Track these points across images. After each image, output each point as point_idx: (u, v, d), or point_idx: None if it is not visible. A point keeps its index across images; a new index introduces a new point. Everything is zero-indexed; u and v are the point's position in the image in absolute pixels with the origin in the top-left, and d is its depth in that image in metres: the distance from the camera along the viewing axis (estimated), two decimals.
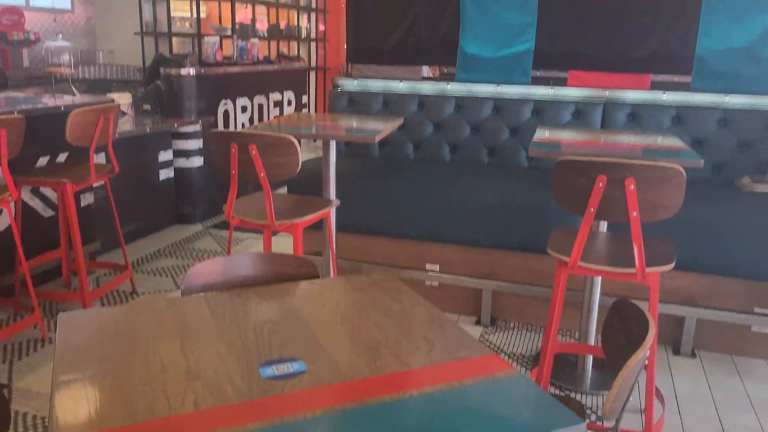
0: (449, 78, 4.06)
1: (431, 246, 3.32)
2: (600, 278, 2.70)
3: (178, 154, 4.76)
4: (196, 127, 4.80)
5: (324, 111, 8.80)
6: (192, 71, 4.84)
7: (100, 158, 3.56)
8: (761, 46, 3.37)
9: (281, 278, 1.68)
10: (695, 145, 3.37)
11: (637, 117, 3.48)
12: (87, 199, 3.82)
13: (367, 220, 3.37)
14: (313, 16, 8.84)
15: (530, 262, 3.16)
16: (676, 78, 3.83)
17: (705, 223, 2.85)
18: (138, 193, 4.40)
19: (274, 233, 2.59)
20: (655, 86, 3.69)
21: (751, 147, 3.30)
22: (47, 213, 3.53)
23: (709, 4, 3.40)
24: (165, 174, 4.68)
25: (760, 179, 3.12)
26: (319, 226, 2.96)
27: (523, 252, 3.16)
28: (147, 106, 4.79)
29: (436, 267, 3.33)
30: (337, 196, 3.02)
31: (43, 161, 3.44)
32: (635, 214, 2.06)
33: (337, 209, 3.01)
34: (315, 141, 7.30)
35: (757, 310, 2.86)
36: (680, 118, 3.43)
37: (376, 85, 3.95)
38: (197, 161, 4.84)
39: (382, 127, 2.91)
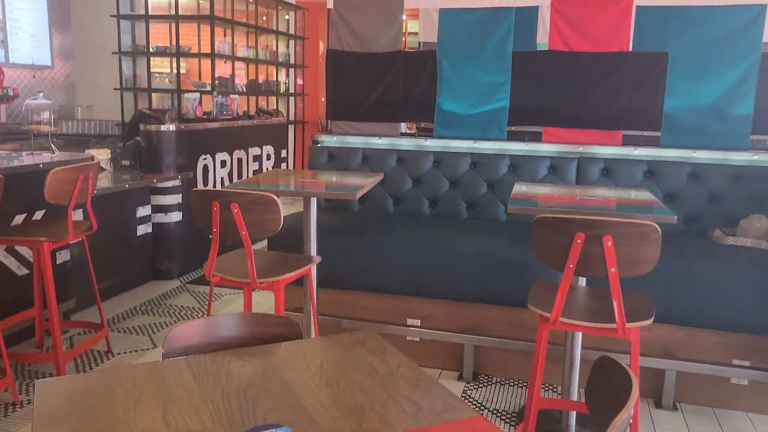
0: (426, 133, 4.15)
1: (412, 301, 3.32)
2: (581, 333, 2.72)
3: (157, 209, 4.74)
4: (176, 183, 4.80)
5: (303, 165, 8.87)
6: (171, 127, 4.87)
7: (77, 215, 3.53)
8: (725, 103, 3.51)
9: (264, 339, 1.67)
10: (667, 199, 3.46)
11: (611, 171, 3.57)
12: (63, 256, 3.76)
13: (348, 275, 3.37)
14: (291, 71, 9.01)
15: (512, 316, 3.17)
16: (646, 132, 3.96)
17: (681, 275, 2.91)
18: (115, 250, 4.36)
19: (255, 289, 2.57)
20: (628, 140, 3.80)
21: (720, 200, 3.40)
22: (21, 271, 3.47)
23: (674, 65, 3.56)
24: (143, 229, 4.64)
25: (731, 232, 3.20)
26: (299, 281, 2.95)
27: (505, 306, 3.17)
28: (126, 162, 4.79)
29: (418, 322, 3.33)
30: (318, 251, 3.02)
31: (19, 219, 3.40)
32: (613, 270, 2.09)
33: (318, 264, 3.01)
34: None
35: (735, 362, 2.90)
36: (652, 173, 3.53)
37: (355, 141, 4.01)
38: (176, 216, 4.82)
39: (362, 183, 2.94)
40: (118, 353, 3.49)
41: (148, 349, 3.57)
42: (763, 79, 3.45)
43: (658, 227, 2.07)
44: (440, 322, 3.29)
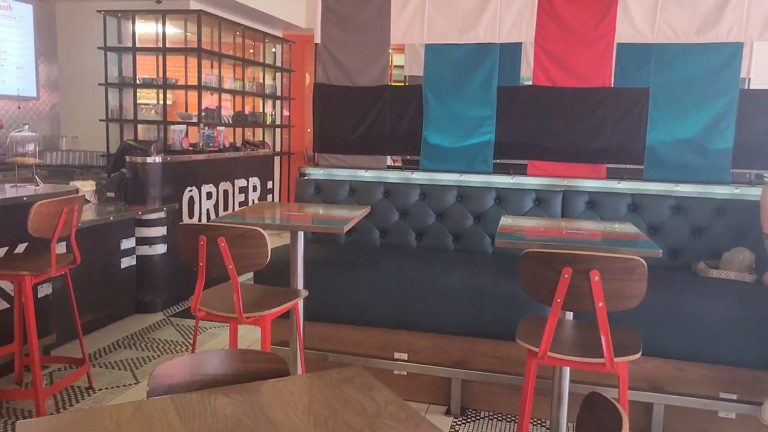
0: (412, 165, 4.18)
1: (399, 334, 3.30)
2: (569, 367, 2.71)
3: (142, 241, 4.70)
4: (161, 215, 4.77)
5: (290, 196, 8.87)
6: (157, 159, 4.86)
7: (60, 247, 3.49)
8: (706, 138, 3.58)
9: (250, 375, 1.65)
10: (651, 231, 3.50)
11: (595, 204, 3.61)
12: (45, 290, 3.71)
13: (335, 309, 3.35)
14: (278, 103, 9.07)
15: (499, 350, 3.16)
16: (630, 165, 4.01)
17: (667, 308, 2.92)
18: (98, 282, 4.30)
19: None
20: (612, 173, 3.85)
21: (703, 233, 3.44)
22: (1, 305, 3.40)
23: (655, 100, 3.63)
24: (127, 262, 4.59)
25: (715, 264, 3.23)
26: (286, 314, 2.92)
27: (493, 339, 3.16)
28: (111, 194, 4.76)
29: (405, 356, 3.30)
30: (305, 284, 3.00)
31: (0, 252, 3.35)
32: (601, 304, 2.10)
33: (305, 298, 2.99)
34: None
35: (722, 395, 2.90)
36: (636, 206, 3.57)
37: (342, 173, 4.03)
38: (161, 248, 4.78)
39: (349, 216, 2.94)
40: (100, 389, 3.41)
41: (130, 384, 3.50)
42: (743, 114, 3.53)
43: (644, 262, 2.09)
44: (428, 355, 3.26)
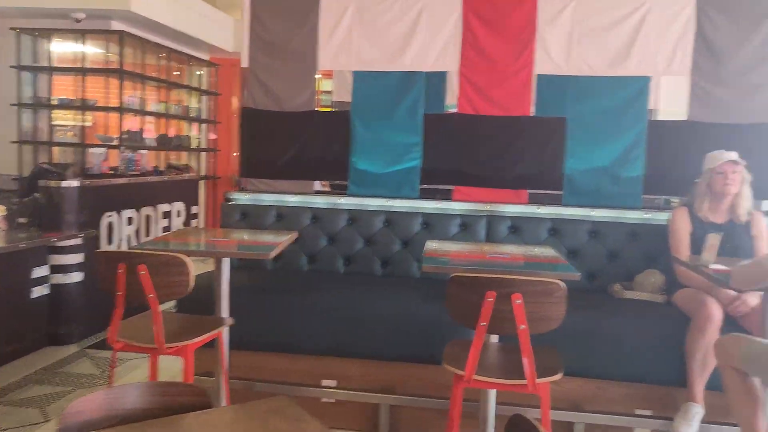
0: (341, 189, 4.19)
1: (328, 361, 3.27)
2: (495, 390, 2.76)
3: (56, 269, 4.46)
4: (77, 241, 4.55)
5: (215, 221, 8.67)
6: (74, 183, 4.65)
7: None
8: (619, 166, 3.78)
9: (172, 409, 1.58)
10: (571, 255, 3.64)
11: (518, 229, 3.72)
12: None
13: (262, 337, 3.28)
14: (203, 126, 8.90)
15: (428, 374, 3.17)
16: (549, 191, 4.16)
17: (585, 329, 3.03)
18: (6, 314, 4.04)
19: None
20: (536, 198, 3.98)
21: (618, 256, 3.61)
22: None
23: (572, 129, 3.81)
24: (38, 291, 4.34)
25: (629, 286, 3.39)
26: (211, 343, 2.84)
27: (421, 364, 3.17)
28: (23, 219, 4.50)
29: (333, 383, 3.26)
30: (230, 311, 2.93)
31: None
32: (523, 327, 2.16)
33: (230, 326, 2.91)
34: None
35: (638, 411, 3.02)
36: (555, 230, 3.70)
37: (268, 198, 3.98)
38: (77, 276, 4.55)
39: (276, 242, 2.91)
40: (5, 430, 3.19)
41: (38, 423, 3.28)
42: (652, 144, 3.75)
43: (563, 285, 2.17)
44: (356, 382, 3.24)
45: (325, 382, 3.26)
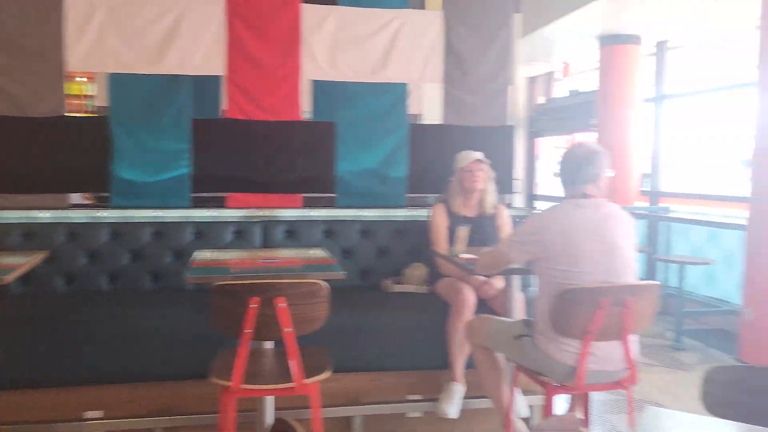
0: (105, 203, 3.85)
1: (92, 390, 2.98)
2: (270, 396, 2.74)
3: None
4: None
5: None
6: None
7: None
8: (385, 168, 4.00)
9: None
10: (345, 255, 3.76)
11: (294, 233, 3.75)
12: None
13: (10, 373, 2.88)
14: None
15: (206, 389, 3.02)
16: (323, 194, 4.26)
17: (357, 326, 3.16)
18: None
19: None
20: (312, 202, 4.04)
21: (387, 253, 3.81)
22: None
23: (342, 133, 3.94)
24: None
25: (398, 280, 3.60)
26: None
27: (196, 380, 3.03)
28: None
29: (100, 413, 2.98)
30: None
31: None
32: (288, 329, 2.17)
33: None
34: None
35: (409, 397, 3.22)
36: (330, 231, 3.80)
37: (13, 215, 3.52)
38: None
39: (16, 265, 2.58)
40: None
41: None
42: (416, 146, 4.02)
43: (326, 285, 2.22)
44: (125, 409, 3.00)
45: (89, 414, 2.97)
